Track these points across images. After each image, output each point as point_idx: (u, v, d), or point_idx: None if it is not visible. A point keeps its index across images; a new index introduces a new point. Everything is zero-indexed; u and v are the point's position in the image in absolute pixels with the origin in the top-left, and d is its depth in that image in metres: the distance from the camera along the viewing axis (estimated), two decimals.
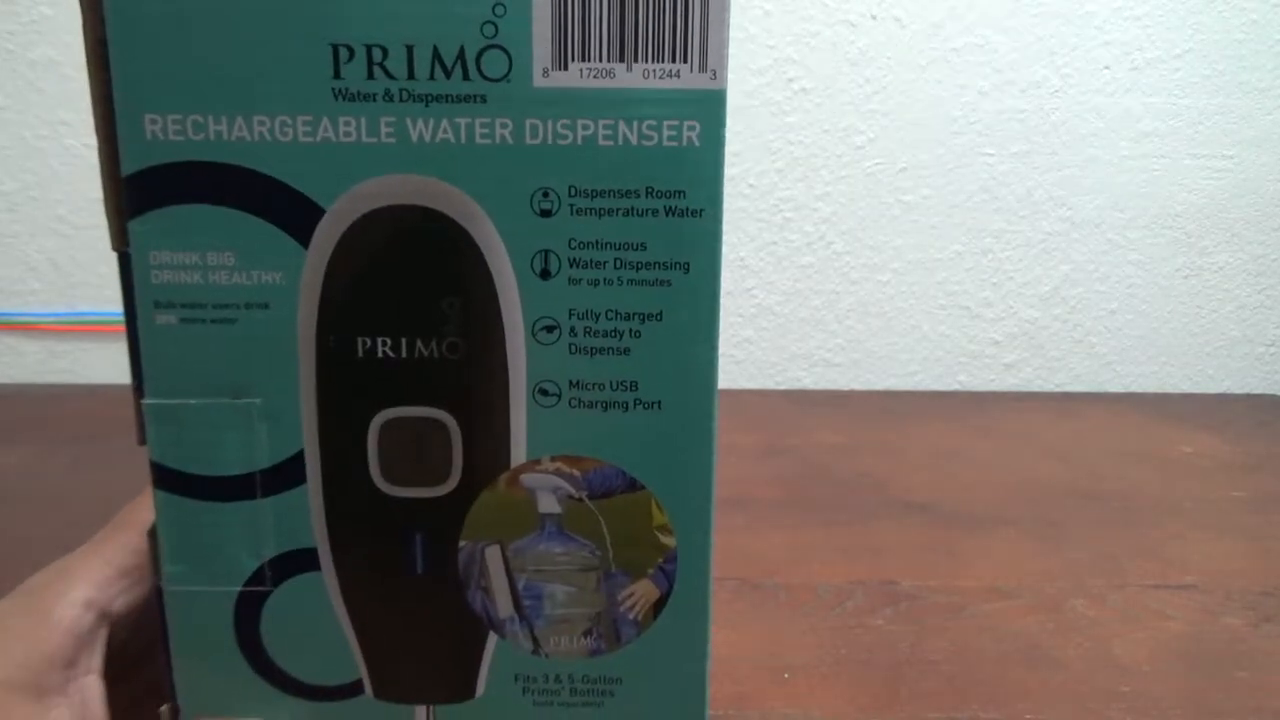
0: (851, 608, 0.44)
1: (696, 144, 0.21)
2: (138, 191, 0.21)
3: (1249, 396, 0.84)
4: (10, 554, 0.47)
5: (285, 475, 0.23)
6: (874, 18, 0.78)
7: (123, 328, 0.22)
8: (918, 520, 0.54)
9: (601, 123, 0.21)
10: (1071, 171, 0.82)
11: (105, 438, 0.65)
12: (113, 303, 0.78)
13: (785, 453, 0.65)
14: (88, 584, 0.24)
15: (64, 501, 0.54)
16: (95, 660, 0.24)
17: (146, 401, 0.22)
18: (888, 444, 0.68)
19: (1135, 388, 0.87)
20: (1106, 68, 0.80)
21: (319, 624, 0.23)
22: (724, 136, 0.21)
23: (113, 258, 0.22)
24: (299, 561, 0.23)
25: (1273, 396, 0.84)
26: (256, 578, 0.23)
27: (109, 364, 0.79)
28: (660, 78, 0.21)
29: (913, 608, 0.44)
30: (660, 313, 0.22)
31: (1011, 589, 0.46)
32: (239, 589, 0.23)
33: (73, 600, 0.23)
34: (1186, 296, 0.85)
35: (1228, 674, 0.39)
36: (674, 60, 0.20)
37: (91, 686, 0.24)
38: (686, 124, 0.21)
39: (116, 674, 0.25)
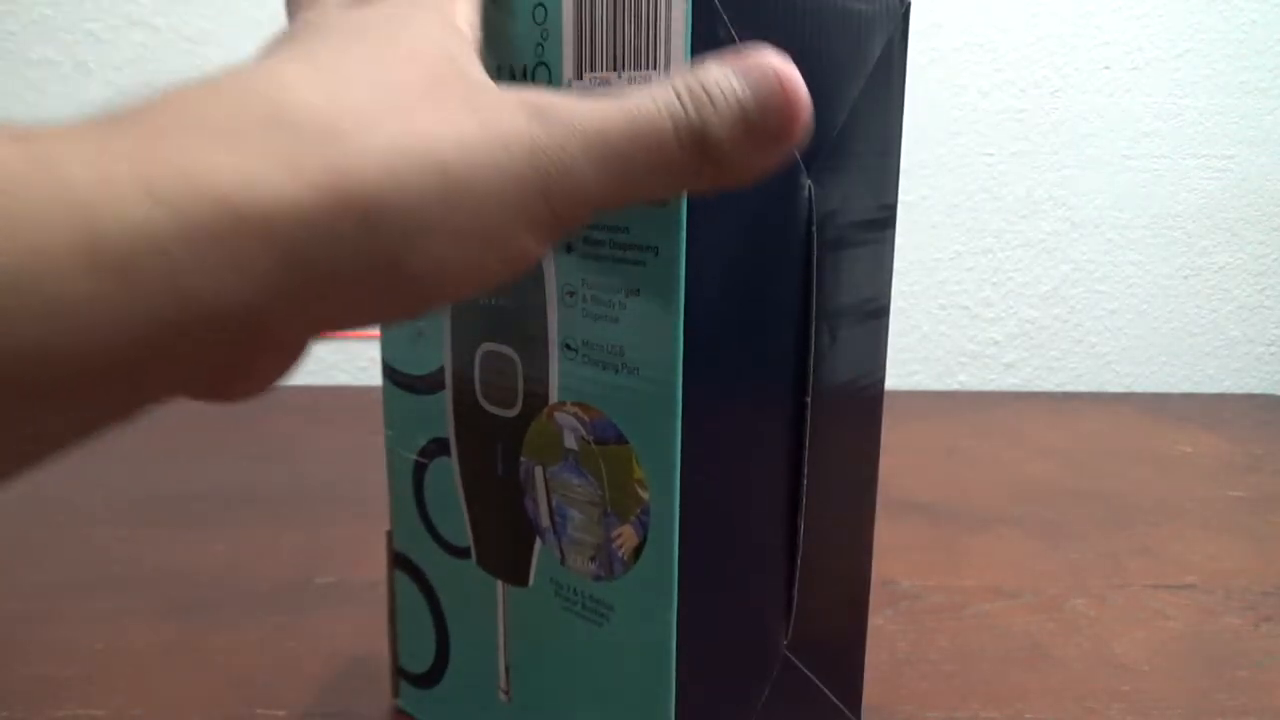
0: None
1: None
2: None
3: (1249, 396, 0.84)
4: (11, 553, 0.47)
5: (437, 381, 0.30)
6: None
7: None
8: (918, 520, 0.54)
9: None
10: (1071, 171, 0.82)
11: (105, 437, 0.65)
12: None
13: None
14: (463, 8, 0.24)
15: (65, 501, 0.54)
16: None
17: None
18: (888, 444, 0.68)
19: (1135, 387, 0.87)
20: (1106, 68, 0.80)
21: (452, 497, 0.30)
22: None
23: None
24: (442, 446, 0.30)
25: (1273, 396, 0.84)
26: (423, 452, 0.31)
27: None
28: (638, 84, 0.24)
29: (913, 607, 0.44)
30: (638, 289, 0.24)
31: (1011, 589, 0.46)
32: (414, 457, 0.31)
33: (460, 13, 0.23)
34: (1186, 296, 0.85)
35: (1228, 674, 0.39)
36: (647, 69, 0.23)
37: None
38: None
39: None
